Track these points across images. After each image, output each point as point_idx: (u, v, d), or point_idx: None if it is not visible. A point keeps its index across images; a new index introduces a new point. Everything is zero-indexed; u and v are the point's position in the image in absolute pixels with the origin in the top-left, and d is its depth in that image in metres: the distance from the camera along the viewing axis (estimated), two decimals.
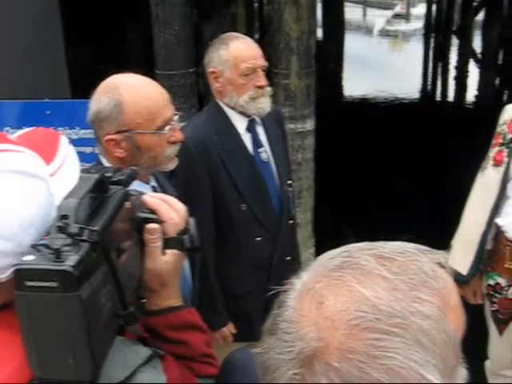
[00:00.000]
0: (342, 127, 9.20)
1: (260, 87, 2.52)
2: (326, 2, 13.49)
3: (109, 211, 1.01)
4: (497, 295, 2.85)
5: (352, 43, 18.94)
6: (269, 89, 2.58)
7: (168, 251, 1.19)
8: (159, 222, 1.18)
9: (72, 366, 0.90)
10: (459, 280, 2.91)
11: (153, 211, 1.19)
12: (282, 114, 2.89)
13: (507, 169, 2.66)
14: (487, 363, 3.17)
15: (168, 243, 1.20)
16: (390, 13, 28.63)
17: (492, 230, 2.76)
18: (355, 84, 13.43)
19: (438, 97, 13.79)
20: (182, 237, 1.21)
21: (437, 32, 17.90)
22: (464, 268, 2.85)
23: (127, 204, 1.11)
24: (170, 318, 1.22)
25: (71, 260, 0.87)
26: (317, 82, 10.71)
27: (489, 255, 2.83)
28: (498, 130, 2.79)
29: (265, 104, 2.56)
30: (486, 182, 2.79)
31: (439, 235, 3.03)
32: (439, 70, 15.63)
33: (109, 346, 1.00)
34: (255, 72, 2.50)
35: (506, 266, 2.72)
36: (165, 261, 1.18)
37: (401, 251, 0.74)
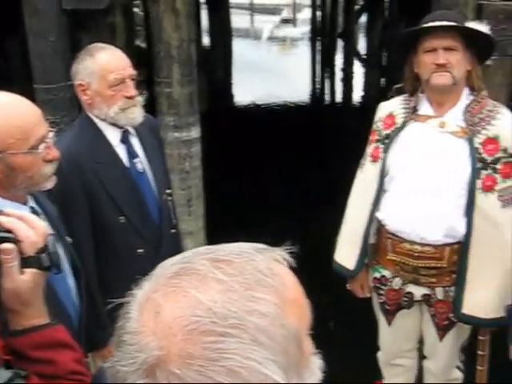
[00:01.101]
0: (234, 133, 9.27)
1: (130, 97, 2.47)
2: (211, 8, 13.53)
3: None
4: (383, 287, 2.93)
5: (241, 49, 19.13)
6: (140, 98, 2.54)
7: (27, 270, 1.16)
8: (15, 241, 1.15)
9: None
10: (346, 274, 2.99)
11: (9, 231, 1.16)
12: (157, 123, 2.86)
13: (383, 164, 2.75)
14: (379, 354, 3.26)
15: (26, 262, 1.16)
16: (277, 18, 29.10)
17: (374, 224, 2.84)
18: (245, 89, 13.57)
19: (327, 99, 14.15)
20: (40, 255, 1.18)
21: (322, 36, 18.36)
22: (350, 263, 2.93)
23: None
24: (35, 338, 1.19)
25: None
26: (206, 89, 10.75)
27: (373, 249, 2.91)
28: (374, 127, 2.88)
29: (136, 114, 2.52)
30: (365, 178, 2.87)
31: (326, 228, 3.12)
32: (326, 73, 16.04)
33: None
34: (124, 82, 2.46)
35: (389, 257, 2.80)
36: (23, 280, 1.15)
37: (237, 252, 0.75)
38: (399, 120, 2.75)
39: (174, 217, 2.77)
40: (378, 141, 2.81)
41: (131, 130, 2.61)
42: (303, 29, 23.90)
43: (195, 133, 4.54)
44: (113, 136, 2.56)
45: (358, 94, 12.97)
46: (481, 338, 2.98)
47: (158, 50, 4.38)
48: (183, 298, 0.70)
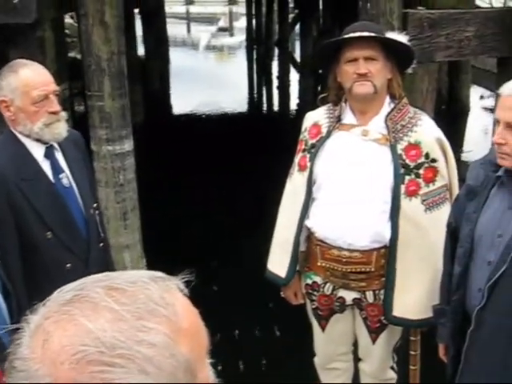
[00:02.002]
0: (172, 143, 9.25)
1: (54, 113, 2.47)
2: (146, 18, 13.46)
3: None
4: (315, 293, 2.97)
5: (178, 59, 19.13)
6: (63, 113, 2.54)
7: None
8: None
9: None
10: (279, 282, 3.03)
11: None
12: (81, 137, 2.86)
13: (310, 173, 2.79)
14: (315, 359, 3.31)
15: None
16: (214, 27, 29.20)
17: (304, 232, 2.88)
18: (184, 99, 13.55)
19: (264, 106, 14.26)
20: None
21: (258, 44, 18.49)
22: (282, 270, 2.96)
23: None
24: None
25: None
26: (142, 100, 10.68)
27: (304, 256, 2.95)
28: (301, 136, 2.93)
29: (60, 129, 2.52)
30: (294, 187, 2.91)
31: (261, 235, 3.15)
32: (263, 81, 16.17)
33: None
34: (47, 98, 2.45)
35: (319, 264, 2.84)
36: None
37: (132, 281, 0.75)
38: (324, 129, 2.80)
39: (102, 230, 2.77)
40: (304, 150, 2.86)
41: (55, 145, 2.60)
42: (240, 37, 24.03)
43: (128, 146, 4.53)
44: (37, 152, 2.54)
45: (294, 102, 13.14)
46: (412, 338, 3.07)
47: (88, 64, 4.36)
48: (73, 326, 0.70)
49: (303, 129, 2.93)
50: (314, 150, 2.80)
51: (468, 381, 2.44)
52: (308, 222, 2.83)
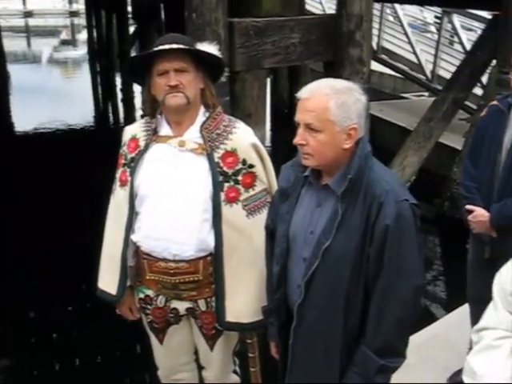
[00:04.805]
0: (13, 163, 8.92)
1: None
2: None
3: None
4: (149, 306, 2.96)
5: (19, 74, 18.44)
6: None
7: None
8: None
9: None
10: (111, 300, 2.98)
11: None
12: None
13: (131, 187, 2.78)
14: (159, 372, 3.29)
15: None
16: (56, 40, 28.45)
17: (131, 247, 2.86)
18: (27, 116, 13.09)
19: (110, 119, 14.05)
20: None
21: (101, 56, 18.19)
22: (113, 288, 2.92)
23: None
24: None
25: None
26: None
27: (134, 270, 2.93)
28: (121, 151, 2.91)
29: None
30: (117, 203, 2.89)
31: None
32: (108, 94, 15.92)
33: None
34: None
35: (148, 277, 2.84)
36: None
37: None
38: (142, 143, 2.79)
39: None
40: (124, 165, 2.84)
41: None
42: (84, 50, 23.58)
43: None
44: None
45: (139, 113, 13.05)
46: (248, 341, 3.10)
47: None
48: None
49: (122, 143, 2.91)
50: (133, 164, 2.79)
51: (296, 375, 2.51)
52: (133, 237, 2.81)
